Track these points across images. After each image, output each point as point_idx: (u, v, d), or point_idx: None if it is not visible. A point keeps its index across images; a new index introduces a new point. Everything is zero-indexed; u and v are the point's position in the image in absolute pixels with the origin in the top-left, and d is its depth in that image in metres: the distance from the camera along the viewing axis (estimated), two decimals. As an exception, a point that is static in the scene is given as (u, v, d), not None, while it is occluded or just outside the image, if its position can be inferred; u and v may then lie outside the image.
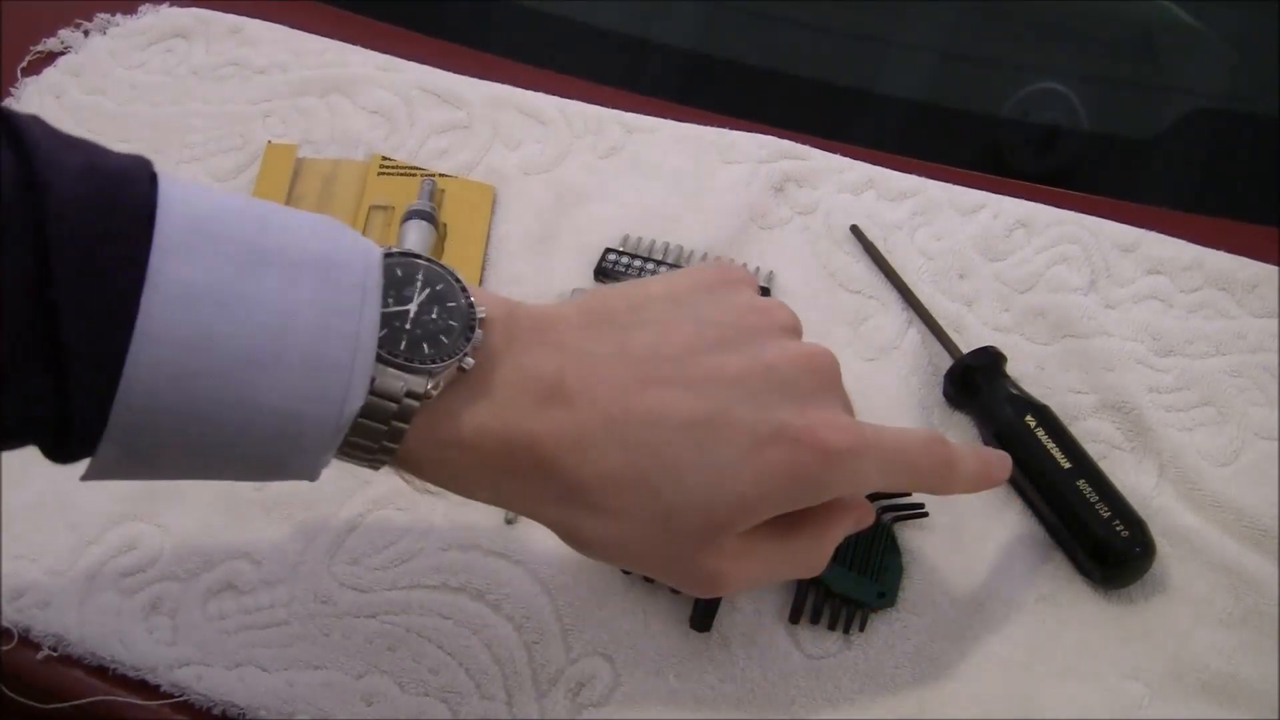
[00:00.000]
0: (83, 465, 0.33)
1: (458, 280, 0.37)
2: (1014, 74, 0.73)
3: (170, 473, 0.34)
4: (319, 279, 0.33)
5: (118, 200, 0.31)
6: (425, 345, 0.35)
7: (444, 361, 0.35)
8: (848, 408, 0.41)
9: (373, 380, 0.34)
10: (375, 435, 0.35)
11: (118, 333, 0.31)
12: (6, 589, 0.48)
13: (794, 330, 0.41)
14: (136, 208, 0.32)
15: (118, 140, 0.65)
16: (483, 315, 0.37)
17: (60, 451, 0.33)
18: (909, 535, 0.50)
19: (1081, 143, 0.72)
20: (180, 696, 0.46)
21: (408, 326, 0.35)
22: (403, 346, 0.35)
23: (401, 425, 0.35)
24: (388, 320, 0.35)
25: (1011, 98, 0.72)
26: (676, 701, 0.46)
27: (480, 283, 0.59)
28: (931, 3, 0.77)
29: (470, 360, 0.36)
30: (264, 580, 0.49)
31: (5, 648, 0.47)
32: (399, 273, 0.36)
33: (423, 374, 0.35)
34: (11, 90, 0.68)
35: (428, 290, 0.36)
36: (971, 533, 0.50)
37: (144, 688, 0.47)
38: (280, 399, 0.33)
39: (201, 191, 0.33)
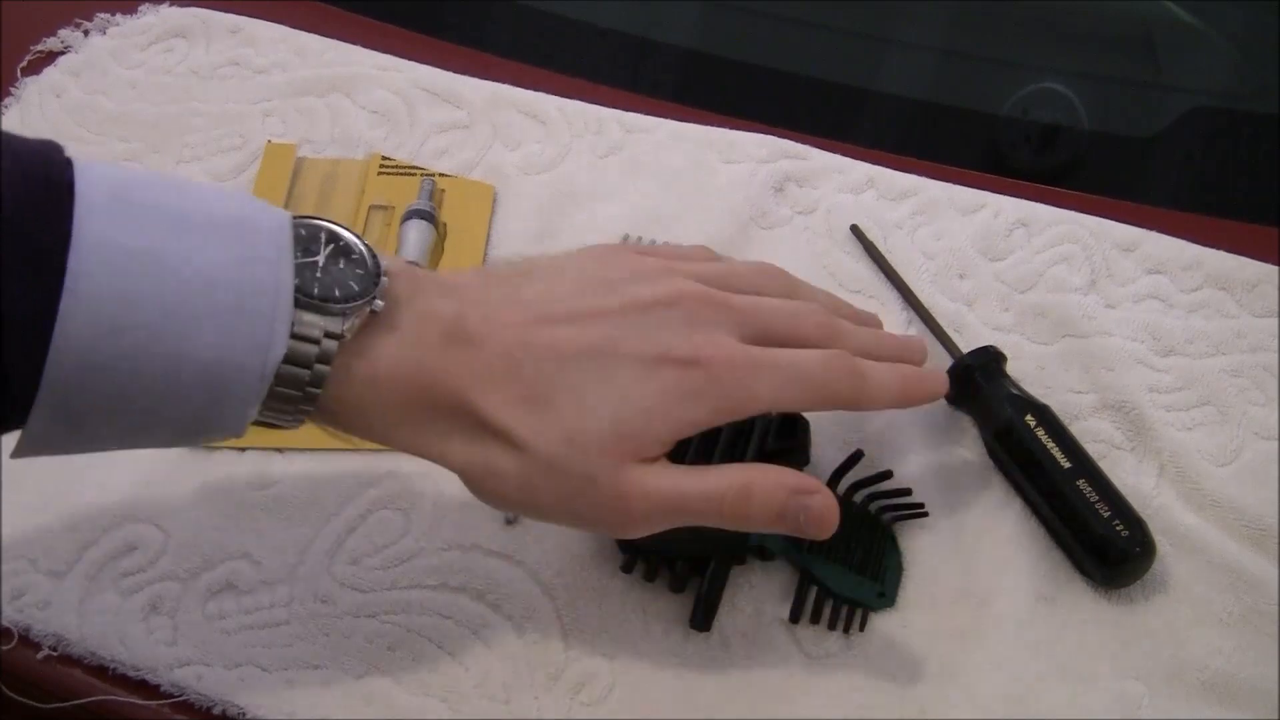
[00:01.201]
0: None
1: (359, 238, 0.39)
2: (1014, 73, 0.73)
3: (101, 439, 0.36)
4: (237, 238, 0.35)
5: (39, 172, 0.33)
6: (336, 290, 0.37)
7: (356, 302, 0.37)
8: (751, 339, 0.42)
9: (292, 325, 0.36)
10: (299, 382, 0.37)
11: (47, 294, 0.32)
12: (6, 589, 0.48)
13: (694, 273, 0.43)
14: (57, 178, 0.33)
15: (118, 140, 0.65)
16: (387, 266, 0.39)
17: None
18: (909, 535, 0.50)
19: (1081, 142, 0.72)
20: (180, 696, 0.46)
21: (318, 275, 0.37)
22: (316, 291, 0.37)
23: (323, 367, 0.37)
24: (300, 271, 0.37)
25: (1011, 97, 0.72)
26: (676, 701, 0.46)
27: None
28: (931, 2, 0.76)
29: (380, 303, 0.38)
30: (264, 580, 0.49)
31: (5, 648, 0.47)
32: (303, 232, 0.38)
33: (337, 315, 0.37)
34: (11, 90, 0.68)
35: (332, 245, 0.38)
36: (971, 533, 0.50)
37: (144, 688, 0.47)
38: (207, 350, 0.34)
39: (115, 166, 0.35)
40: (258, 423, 0.38)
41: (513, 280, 0.42)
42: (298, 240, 0.38)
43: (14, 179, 0.33)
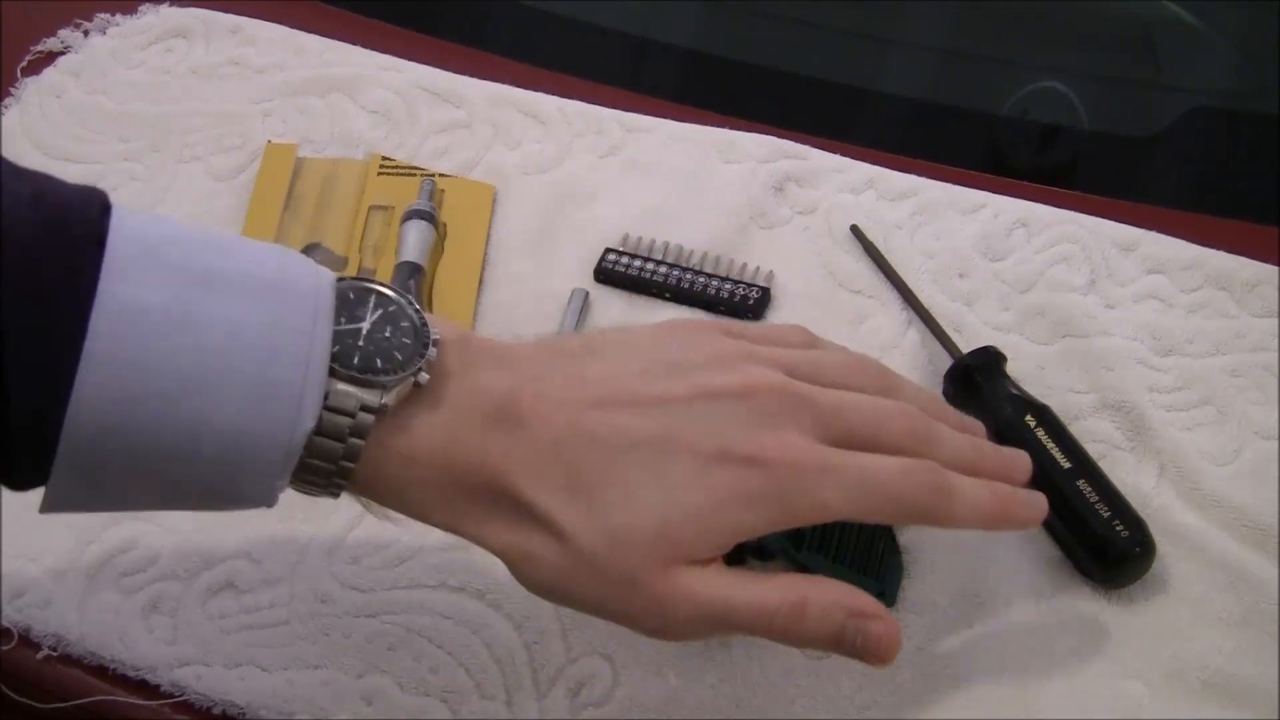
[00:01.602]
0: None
1: (411, 302, 0.37)
2: (1014, 73, 0.73)
3: (126, 502, 0.34)
4: (269, 300, 0.34)
5: (66, 226, 0.32)
6: (379, 360, 0.35)
7: (398, 374, 0.35)
8: (830, 440, 0.38)
9: (326, 396, 0.34)
10: (331, 455, 0.35)
11: (64, 354, 0.31)
12: (6, 589, 0.48)
13: (779, 362, 0.40)
14: (86, 233, 0.32)
15: (118, 140, 0.65)
16: (437, 336, 0.37)
17: (11, 478, 0.34)
18: (909, 535, 0.50)
19: (1081, 142, 0.72)
20: (180, 696, 0.46)
21: (360, 343, 0.35)
22: (356, 362, 0.35)
23: (358, 441, 0.35)
24: (340, 338, 0.35)
25: (1011, 97, 0.72)
26: (676, 701, 0.46)
27: (480, 282, 0.59)
28: (931, 2, 0.76)
29: (425, 375, 0.36)
30: (264, 580, 0.49)
31: (5, 648, 0.47)
32: (351, 295, 0.36)
33: (377, 388, 0.35)
34: (11, 90, 0.68)
35: (380, 311, 0.36)
36: (971, 533, 0.50)
37: (144, 687, 0.47)
38: (229, 420, 0.33)
39: (156, 219, 0.34)
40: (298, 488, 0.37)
41: (577, 356, 0.39)
42: (343, 304, 0.36)
43: (36, 232, 0.31)
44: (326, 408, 0.34)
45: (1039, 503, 0.42)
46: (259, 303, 0.33)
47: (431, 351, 0.36)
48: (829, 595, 0.38)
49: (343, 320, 0.35)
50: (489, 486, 0.37)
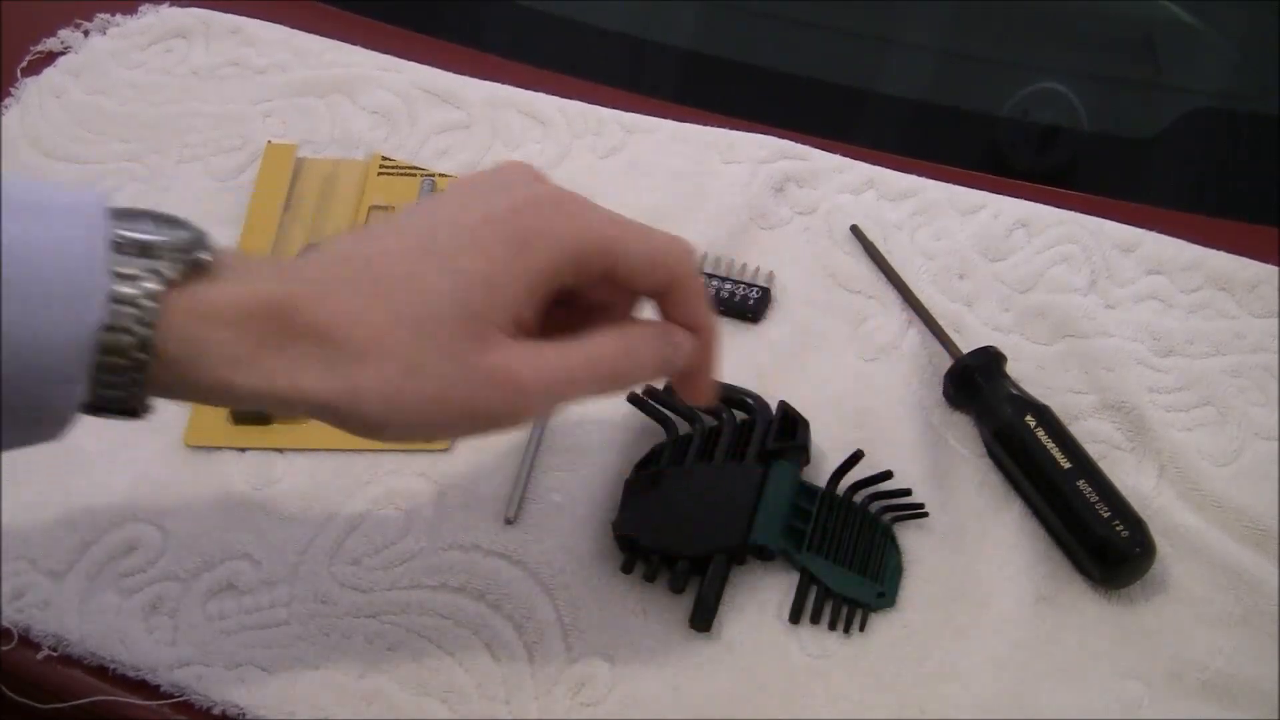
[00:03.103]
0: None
1: (182, 218, 0.38)
2: (1014, 74, 0.73)
3: None
4: (47, 212, 0.35)
5: None
6: (159, 242, 0.36)
7: (180, 249, 0.36)
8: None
9: (113, 271, 0.35)
10: (126, 326, 0.35)
11: None
12: (6, 589, 0.48)
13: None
14: None
15: (118, 140, 0.65)
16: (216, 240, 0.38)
17: None
18: (909, 535, 0.50)
19: (1081, 142, 0.72)
20: (180, 696, 0.46)
21: (138, 235, 0.36)
22: (136, 247, 0.36)
23: (150, 304, 0.35)
24: (120, 234, 0.36)
25: (1011, 97, 0.72)
26: (676, 701, 0.46)
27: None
28: (931, 3, 0.77)
29: (206, 254, 0.37)
30: (264, 580, 0.49)
31: (5, 648, 0.47)
32: (124, 210, 0.37)
33: (162, 259, 0.36)
34: (11, 90, 0.68)
35: (153, 220, 0.37)
36: (971, 533, 0.50)
37: (144, 688, 0.47)
38: (20, 323, 0.33)
39: None
40: (99, 410, 0.36)
41: (340, 236, 0.42)
42: (119, 215, 0.36)
43: None
44: (114, 282, 0.35)
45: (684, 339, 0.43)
46: (36, 214, 0.34)
47: (211, 236, 0.37)
48: (647, 330, 0.41)
49: (120, 224, 0.36)
50: (289, 326, 0.37)
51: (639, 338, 0.41)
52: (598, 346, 0.40)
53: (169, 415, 0.54)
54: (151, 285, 0.35)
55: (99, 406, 0.36)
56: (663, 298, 0.42)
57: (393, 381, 0.37)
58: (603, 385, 0.41)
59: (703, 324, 0.42)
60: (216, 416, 0.54)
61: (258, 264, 0.38)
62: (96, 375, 0.35)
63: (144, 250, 0.35)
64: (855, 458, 0.51)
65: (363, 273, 0.38)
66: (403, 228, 0.40)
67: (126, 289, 0.35)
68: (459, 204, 0.40)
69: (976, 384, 0.53)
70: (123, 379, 0.36)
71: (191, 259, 0.36)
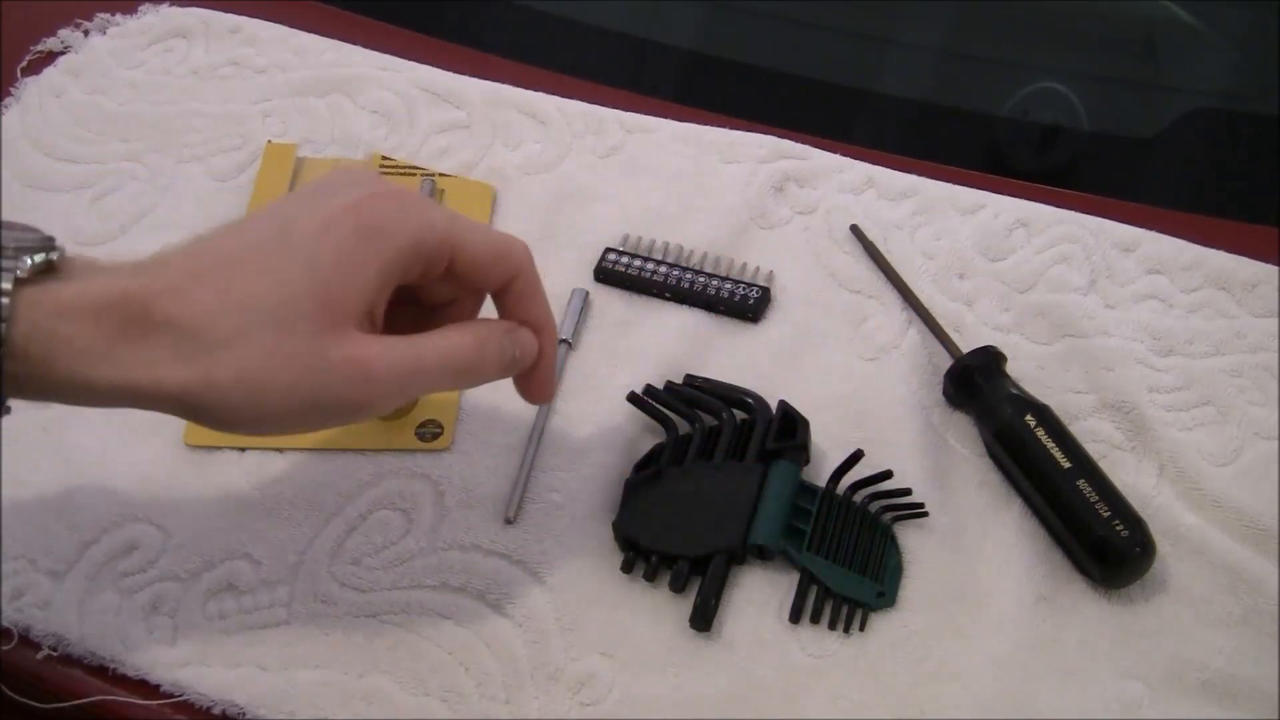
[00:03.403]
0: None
1: (30, 226, 0.39)
2: (1014, 74, 0.73)
3: None
4: None
5: None
6: (8, 239, 0.37)
7: (28, 247, 0.37)
8: None
9: None
10: None
11: None
12: (6, 589, 0.48)
13: None
14: None
15: (118, 140, 0.65)
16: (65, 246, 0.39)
17: None
18: (909, 535, 0.50)
19: (1081, 142, 0.72)
20: (180, 696, 0.46)
21: None
22: None
23: (2, 300, 0.36)
24: None
25: (1011, 97, 0.72)
26: (676, 701, 0.46)
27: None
28: (931, 3, 0.77)
29: (56, 254, 0.38)
30: (264, 580, 0.49)
31: (5, 648, 0.47)
32: None
33: (9, 257, 0.37)
34: (11, 90, 0.68)
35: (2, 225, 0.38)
36: (971, 533, 0.50)
37: (144, 688, 0.47)
38: None
39: None
40: None
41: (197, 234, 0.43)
42: None
43: None
44: None
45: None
46: None
47: (58, 240, 0.38)
48: (495, 328, 0.43)
49: None
50: (144, 319, 0.37)
51: (486, 333, 0.43)
52: (447, 339, 0.42)
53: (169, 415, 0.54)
54: (3, 283, 0.36)
55: None
56: (504, 294, 0.44)
57: (248, 370, 0.38)
58: (452, 378, 0.43)
59: (543, 322, 0.45)
60: (216, 416, 0.54)
61: (112, 263, 0.39)
62: None
63: None
64: (855, 457, 0.51)
65: (218, 265, 0.39)
66: (257, 223, 0.41)
67: None
68: (309, 200, 0.41)
69: (976, 384, 0.53)
70: None
71: (42, 259, 0.37)
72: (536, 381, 0.46)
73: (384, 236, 0.40)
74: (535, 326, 0.45)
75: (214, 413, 0.39)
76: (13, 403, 0.38)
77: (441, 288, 0.44)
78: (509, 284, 0.44)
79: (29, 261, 0.37)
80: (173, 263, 0.39)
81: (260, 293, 0.38)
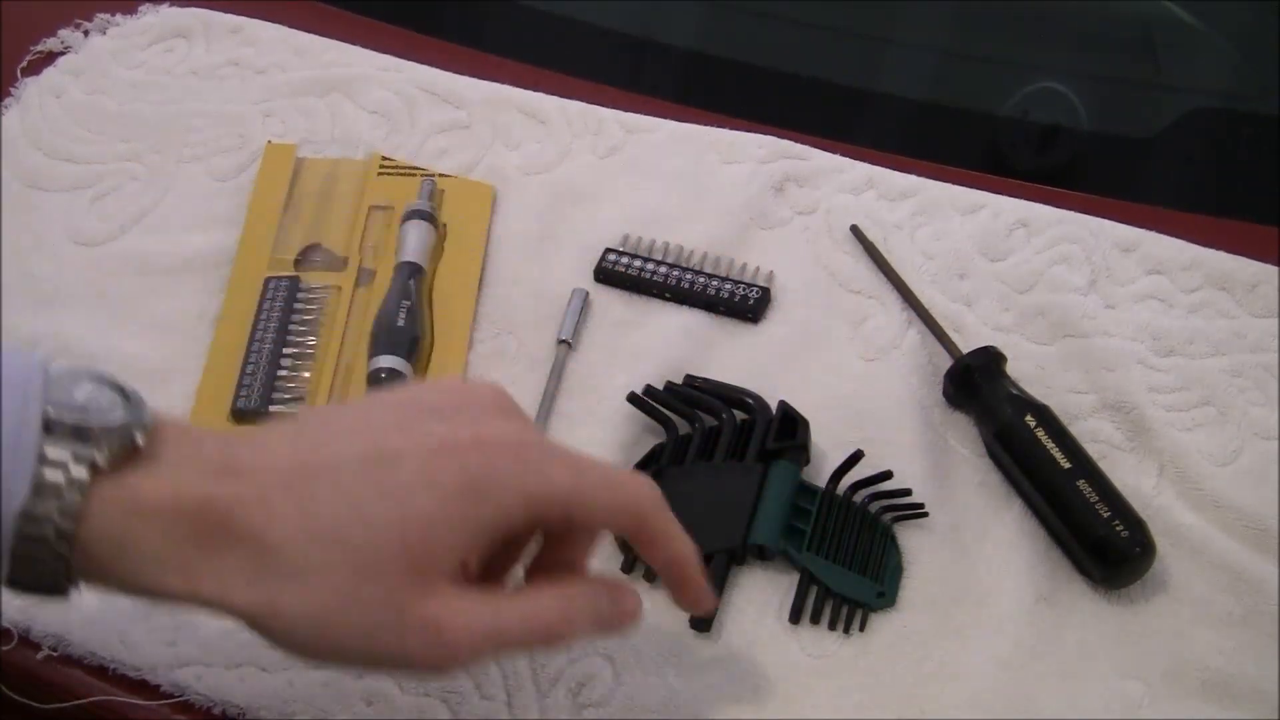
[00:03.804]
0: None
1: (121, 383, 0.36)
2: (1014, 74, 0.73)
3: None
4: None
5: None
6: (92, 422, 0.34)
7: (114, 430, 0.34)
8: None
9: (41, 455, 0.33)
10: (48, 516, 0.33)
11: None
12: (7, 589, 0.48)
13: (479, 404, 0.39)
14: None
15: (118, 140, 0.65)
16: (155, 412, 0.36)
17: None
18: (909, 535, 0.50)
19: (1081, 142, 0.72)
20: (180, 696, 0.46)
21: (72, 413, 0.34)
22: (69, 425, 0.34)
23: (75, 496, 0.33)
24: (53, 412, 0.34)
25: (1011, 97, 0.72)
26: (676, 701, 0.46)
27: (480, 283, 0.59)
28: (931, 3, 0.77)
29: (141, 436, 0.35)
30: (264, 580, 0.49)
31: (5, 648, 0.47)
32: (64, 376, 0.35)
33: (90, 443, 0.34)
34: (11, 90, 0.68)
35: (93, 385, 0.35)
36: (971, 533, 0.50)
37: (144, 688, 0.47)
38: None
39: None
40: (17, 586, 0.35)
41: (286, 422, 0.39)
42: (54, 383, 0.35)
43: None
44: (41, 461, 0.33)
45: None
46: None
47: (148, 414, 0.35)
48: (586, 595, 0.39)
49: (55, 395, 0.34)
50: (222, 531, 0.35)
51: (580, 600, 0.38)
52: (535, 606, 0.38)
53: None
54: (79, 473, 0.33)
55: (17, 584, 0.35)
56: (630, 537, 0.40)
57: (321, 610, 0.35)
58: (535, 645, 0.39)
59: (676, 559, 0.40)
60: (217, 416, 0.54)
61: (194, 448, 0.36)
62: (13, 560, 0.34)
63: (76, 433, 0.34)
64: (855, 458, 0.51)
65: (304, 481, 0.36)
66: (352, 431, 0.37)
67: (53, 476, 0.33)
68: (416, 419, 0.37)
69: (976, 384, 0.53)
70: (42, 567, 0.34)
71: (125, 443, 0.34)
72: (687, 600, 0.41)
73: (494, 499, 0.36)
74: (667, 564, 0.40)
75: (278, 640, 0.36)
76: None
77: (553, 527, 0.40)
78: (634, 533, 0.39)
79: (112, 449, 0.34)
80: (257, 465, 0.36)
81: (346, 528, 0.35)
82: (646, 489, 0.39)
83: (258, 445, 0.37)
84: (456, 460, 0.36)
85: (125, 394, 0.36)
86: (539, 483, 0.37)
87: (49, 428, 0.33)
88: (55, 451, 0.33)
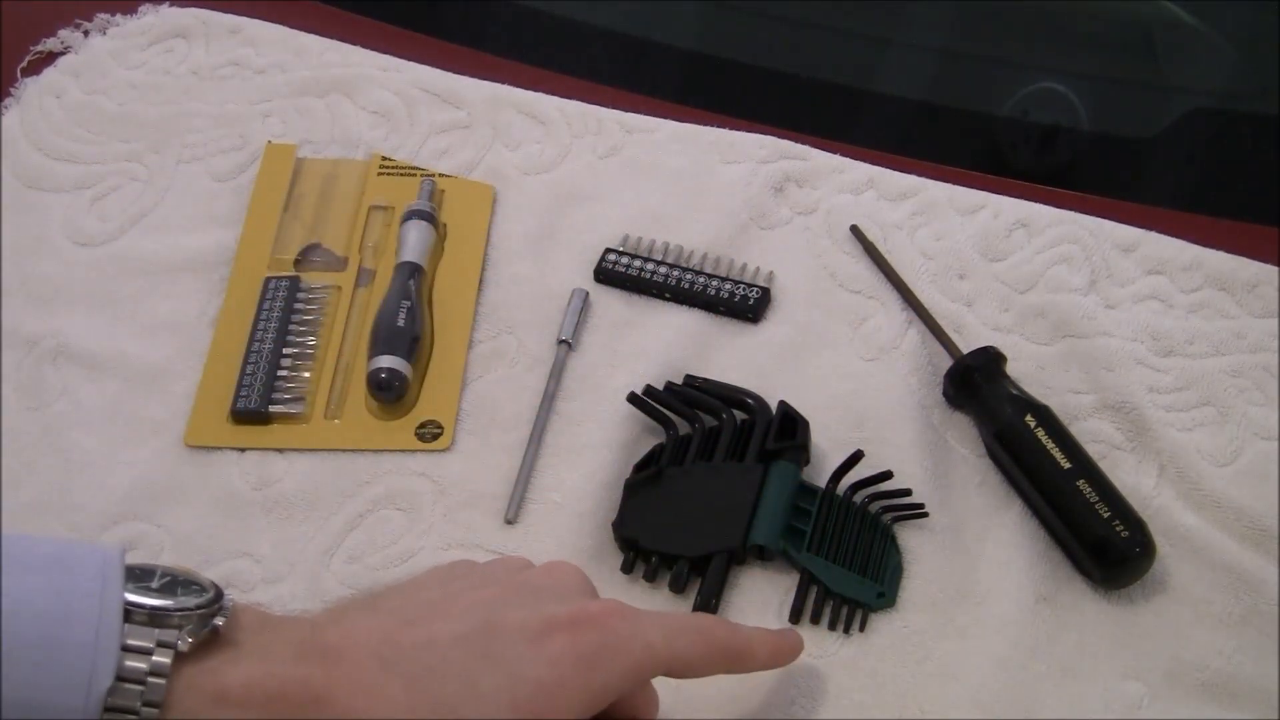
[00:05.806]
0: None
1: (196, 575, 0.36)
2: (1014, 74, 0.73)
3: None
4: (54, 571, 0.33)
5: None
6: (172, 606, 0.34)
7: (193, 613, 0.34)
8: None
9: (123, 640, 0.33)
10: (132, 701, 0.33)
11: None
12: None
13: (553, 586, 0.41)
14: None
15: (118, 141, 0.65)
16: (233, 598, 0.36)
17: None
18: (909, 535, 0.50)
19: (1081, 142, 0.72)
20: (180, 696, 0.46)
21: (151, 598, 0.34)
22: (148, 610, 0.34)
23: (158, 681, 0.33)
24: (132, 600, 0.34)
25: (1011, 97, 0.72)
26: (676, 701, 0.46)
27: (480, 283, 0.59)
28: (931, 3, 0.77)
29: (221, 620, 0.35)
30: (265, 579, 0.49)
31: (5, 648, 0.47)
32: (138, 568, 0.35)
33: (171, 627, 0.34)
34: (11, 90, 0.68)
35: (169, 578, 0.35)
36: (971, 533, 0.50)
37: (144, 688, 0.47)
38: (21, 691, 0.32)
39: None
40: None
41: (365, 599, 0.39)
42: (131, 574, 0.35)
43: None
44: (124, 649, 0.33)
45: (796, 638, 0.45)
46: (44, 574, 0.33)
47: (227, 599, 0.35)
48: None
49: (131, 585, 0.34)
50: (317, 713, 0.34)
51: None
52: None
53: (169, 415, 0.54)
54: (161, 659, 0.33)
55: None
56: (727, 671, 0.42)
57: None
58: None
59: (774, 657, 0.43)
60: (217, 416, 0.54)
61: (275, 633, 0.36)
62: None
63: (155, 619, 0.33)
64: (855, 458, 0.51)
65: (411, 657, 0.35)
66: (451, 613, 0.37)
67: (135, 663, 0.33)
68: (519, 596, 0.38)
69: (976, 384, 0.53)
70: None
71: (206, 627, 0.34)
72: (788, 658, 0.44)
73: (603, 668, 0.37)
74: (771, 664, 0.43)
75: None
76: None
77: None
78: (730, 667, 0.42)
79: (193, 634, 0.34)
80: (349, 646, 0.35)
81: (457, 702, 0.35)
82: (721, 628, 0.42)
83: (343, 626, 0.36)
84: (565, 637, 0.37)
85: (199, 582, 0.35)
86: (645, 645, 0.38)
87: (128, 615, 0.33)
88: (137, 638, 0.33)
